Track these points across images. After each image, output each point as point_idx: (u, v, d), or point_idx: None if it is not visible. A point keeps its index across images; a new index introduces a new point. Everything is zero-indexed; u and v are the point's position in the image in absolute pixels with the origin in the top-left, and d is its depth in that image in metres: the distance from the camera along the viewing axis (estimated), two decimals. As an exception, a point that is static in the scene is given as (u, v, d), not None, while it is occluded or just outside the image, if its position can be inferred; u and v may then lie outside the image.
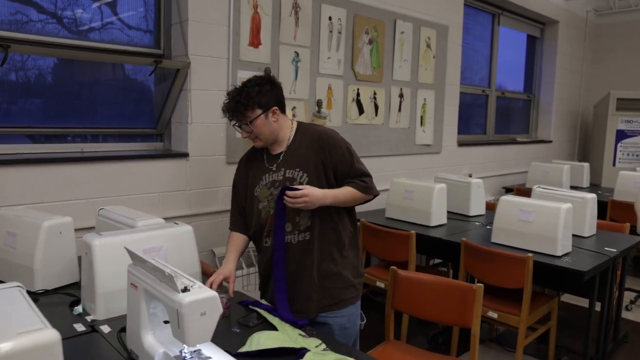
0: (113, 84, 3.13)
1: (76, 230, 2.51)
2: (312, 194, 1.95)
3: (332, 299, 2.09)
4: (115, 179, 2.88)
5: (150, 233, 1.97)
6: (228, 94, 2.07)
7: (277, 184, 2.08)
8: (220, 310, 1.32)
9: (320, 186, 2.04)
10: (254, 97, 2.00)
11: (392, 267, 2.42)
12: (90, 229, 2.65)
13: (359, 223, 2.98)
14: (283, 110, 2.12)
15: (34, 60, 2.81)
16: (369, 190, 2.11)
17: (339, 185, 2.09)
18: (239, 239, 2.20)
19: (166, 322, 1.43)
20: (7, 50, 2.51)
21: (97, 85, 3.05)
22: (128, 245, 1.92)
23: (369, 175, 2.13)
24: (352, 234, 2.17)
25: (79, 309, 1.84)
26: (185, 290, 1.32)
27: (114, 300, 1.81)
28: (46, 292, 2.00)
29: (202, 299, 1.28)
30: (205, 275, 2.32)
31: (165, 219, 2.96)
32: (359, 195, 2.09)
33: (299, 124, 2.17)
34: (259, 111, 2.02)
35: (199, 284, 1.36)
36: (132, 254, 1.50)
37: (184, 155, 3.13)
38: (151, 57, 3.05)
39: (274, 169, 2.10)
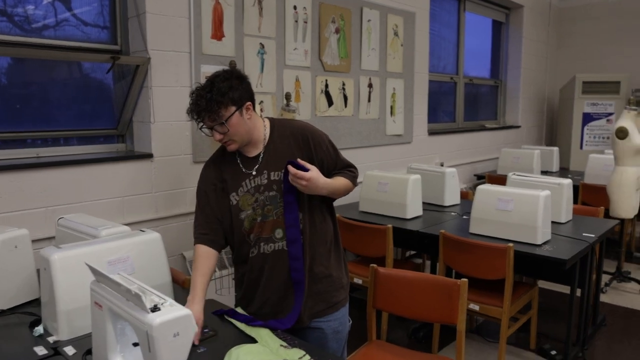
0: (70, 83, 2.94)
1: (35, 241, 2.37)
2: (315, 180, 1.80)
3: (325, 303, 1.96)
4: (76, 185, 2.70)
5: (114, 243, 1.82)
6: (194, 93, 1.84)
7: (261, 188, 1.89)
8: (195, 328, 1.20)
9: None
10: (227, 92, 1.79)
11: (371, 265, 2.33)
12: (51, 239, 2.49)
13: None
14: (254, 107, 1.95)
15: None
16: (355, 180, 2.05)
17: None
18: (207, 257, 1.90)
19: (135, 344, 1.30)
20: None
21: (52, 85, 2.86)
22: (91, 257, 1.79)
23: (353, 165, 2.06)
24: (335, 232, 2.06)
25: (39, 329, 1.69)
26: (155, 309, 1.19)
27: (78, 318, 1.66)
28: (2, 313, 1.83)
29: (174, 319, 1.16)
30: (176, 284, 2.19)
31: (131, 223, 2.86)
32: (350, 186, 2.01)
33: (272, 120, 2.00)
34: (233, 108, 1.81)
35: (170, 301, 1.24)
36: (93, 270, 1.36)
37: (148, 156, 2.97)
38: (108, 54, 2.88)
39: (254, 173, 1.91)
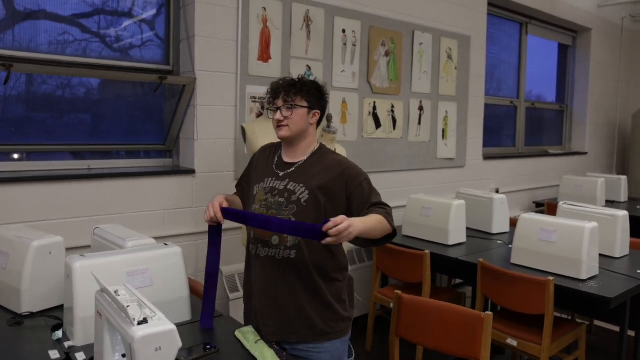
0: (128, 100, 3.12)
1: (74, 249, 2.51)
2: (352, 220, 1.68)
3: (315, 329, 1.93)
4: (120, 196, 2.84)
5: (135, 255, 1.89)
6: (282, 79, 2.03)
7: (275, 192, 1.96)
8: (180, 344, 1.22)
9: (316, 208, 1.91)
10: (309, 90, 1.98)
11: (396, 291, 2.28)
12: (88, 247, 2.61)
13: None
14: (319, 124, 2.06)
15: (39, 77, 2.81)
16: (391, 219, 1.89)
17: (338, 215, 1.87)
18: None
19: (124, 355, 1.34)
20: (10, 69, 2.51)
21: (109, 101, 3.05)
22: (111, 267, 1.87)
23: (387, 204, 1.95)
24: (343, 258, 2.04)
25: (58, 333, 1.77)
26: (143, 322, 1.23)
27: (93, 325, 1.73)
28: (32, 315, 1.94)
29: (157, 333, 1.19)
30: (196, 296, 2.23)
31: (170, 236, 2.97)
32: (385, 224, 1.85)
33: (322, 145, 2.08)
34: (305, 103, 1.97)
35: (159, 315, 1.27)
36: (97, 280, 1.42)
37: (191, 171, 3.08)
38: (160, 74, 3.02)
39: (280, 175, 2.00)
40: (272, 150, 2.12)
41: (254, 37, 3.26)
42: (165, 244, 2.03)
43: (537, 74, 6.27)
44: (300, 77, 2.02)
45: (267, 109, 2.05)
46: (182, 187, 3.06)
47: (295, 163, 2.01)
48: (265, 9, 3.29)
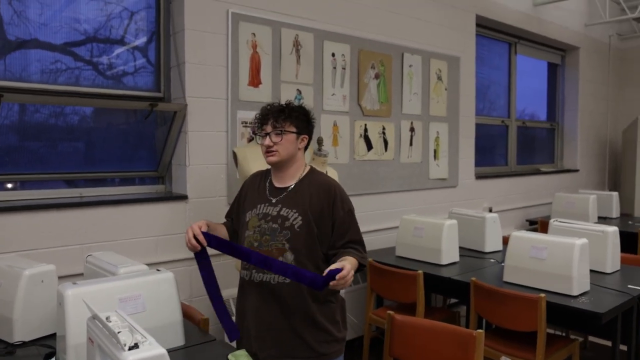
0: (120, 127, 3.16)
1: (66, 277, 2.51)
2: (350, 270, 1.78)
3: (311, 351, 1.96)
4: (113, 224, 2.85)
5: (128, 281, 1.90)
6: (268, 105, 2.05)
7: (268, 217, 2.00)
8: (170, 369, 1.23)
9: (309, 233, 1.96)
10: (297, 116, 2.01)
11: (388, 312, 2.29)
12: (81, 275, 2.62)
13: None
14: (306, 148, 2.11)
15: (32, 106, 2.84)
16: (365, 262, 1.98)
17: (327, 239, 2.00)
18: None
19: (114, 382, 1.35)
20: (0, 99, 2.54)
21: (101, 129, 3.08)
22: (103, 294, 1.88)
23: (363, 244, 2.03)
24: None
25: (50, 362, 1.78)
26: (134, 347, 1.24)
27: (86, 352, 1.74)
28: (24, 344, 1.94)
29: (148, 357, 1.20)
30: (193, 323, 2.24)
31: (163, 262, 2.97)
32: (355, 266, 1.90)
33: (312, 168, 2.12)
34: (294, 129, 2.00)
35: (150, 340, 1.28)
36: (88, 306, 1.43)
37: (183, 197, 3.10)
38: (151, 101, 3.06)
39: (273, 201, 2.03)
40: (261, 177, 2.15)
41: (244, 62, 3.32)
42: (158, 270, 2.04)
43: (528, 93, 6.35)
44: (288, 102, 2.06)
45: (256, 134, 2.07)
46: (175, 213, 3.08)
47: (287, 188, 2.04)
48: (254, 34, 3.35)
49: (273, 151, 1.99)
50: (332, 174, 3.03)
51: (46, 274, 2.06)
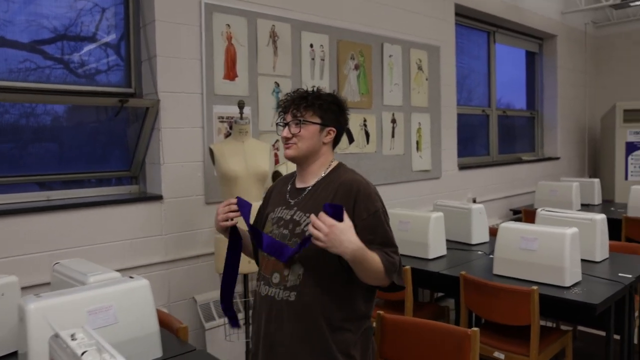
0: (91, 126, 3.00)
1: (31, 287, 2.36)
2: (339, 232, 1.50)
3: None
4: (83, 228, 2.69)
5: (97, 291, 1.76)
6: (295, 90, 1.81)
7: (281, 222, 1.76)
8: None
9: None
10: (321, 105, 1.74)
11: (378, 311, 2.18)
12: (47, 285, 2.46)
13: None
14: (335, 143, 1.83)
15: (2, 106, 2.67)
16: (391, 271, 1.63)
17: None
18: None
19: (80, 409, 1.21)
20: (-42, 97, 2.36)
21: (70, 128, 2.91)
22: (70, 306, 1.73)
23: (395, 247, 1.70)
24: (361, 304, 1.72)
25: (14, 384, 1.63)
26: (101, 369, 1.11)
27: (52, 372, 1.59)
28: (-15, 364, 1.79)
29: (114, 382, 1.07)
30: (170, 332, 2.10)
31: (139, 266, 2.83)
32: (380, 274, 1.61)
33: (339, 165, 1.84)
34: (318, 120, 1.74)
35: (119, 359, 1.15)
36: (50, 324, 1.29)
37: (158, 197, 2.95)
38: (121, 97, 2.90)
39: (291, 203, 1.79)
40: (289, 178, 1.91)
41: (218, 55, 3.17)
42: (131, 277, 1.90)
43: (507, 81, 6.31)
44: (315, 88, 1.81)
45: (276, 123, 1.85)
46: (150, 215, 2.93)
47: (306, 188, 1.79)
48: (229, 25, 3.20)
49: (291, 143, 1.75)
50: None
51: (7, 286, 1.90)
